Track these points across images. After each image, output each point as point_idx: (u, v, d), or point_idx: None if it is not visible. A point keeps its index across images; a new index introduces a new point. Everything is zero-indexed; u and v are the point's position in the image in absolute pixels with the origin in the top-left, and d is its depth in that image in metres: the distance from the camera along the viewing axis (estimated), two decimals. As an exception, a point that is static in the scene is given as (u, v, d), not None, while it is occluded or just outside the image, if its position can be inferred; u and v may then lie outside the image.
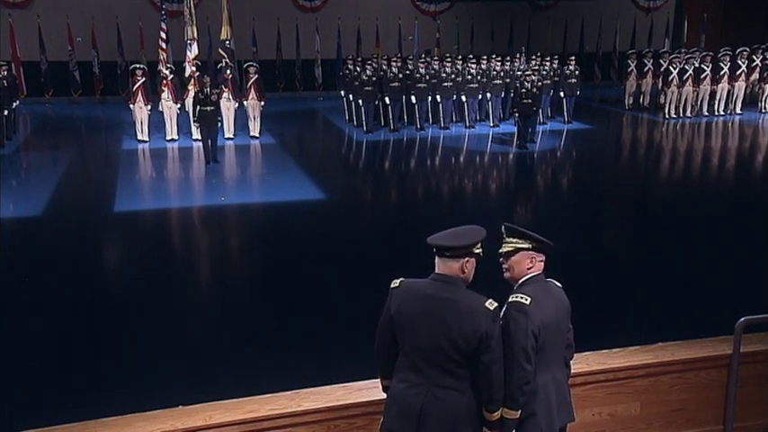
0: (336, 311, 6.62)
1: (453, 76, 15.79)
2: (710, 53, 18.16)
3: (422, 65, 16.23)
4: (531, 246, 3.16)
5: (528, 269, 3.17)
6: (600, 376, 4.01)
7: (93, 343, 6.19)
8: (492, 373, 2.97)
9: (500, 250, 3.23)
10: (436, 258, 3.07)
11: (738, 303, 4.85)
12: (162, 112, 14.46)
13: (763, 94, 18.30)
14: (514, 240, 3.18)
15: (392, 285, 3.14)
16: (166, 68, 14.65)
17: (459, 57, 16.71)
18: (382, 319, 3.15)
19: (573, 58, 17.17)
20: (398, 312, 3.07)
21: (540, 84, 14.99)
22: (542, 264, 3.21)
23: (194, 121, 13.89)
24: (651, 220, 10.19)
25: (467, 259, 3.03)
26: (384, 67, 15.81)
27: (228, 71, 14.55)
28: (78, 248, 8.74)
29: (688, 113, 17.57)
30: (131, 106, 14.36)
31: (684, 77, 17.19)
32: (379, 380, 3.30)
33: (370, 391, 3.62)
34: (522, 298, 3.06)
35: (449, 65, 15.79)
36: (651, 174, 13.32)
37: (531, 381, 3.04)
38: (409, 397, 3.04)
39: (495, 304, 3.00)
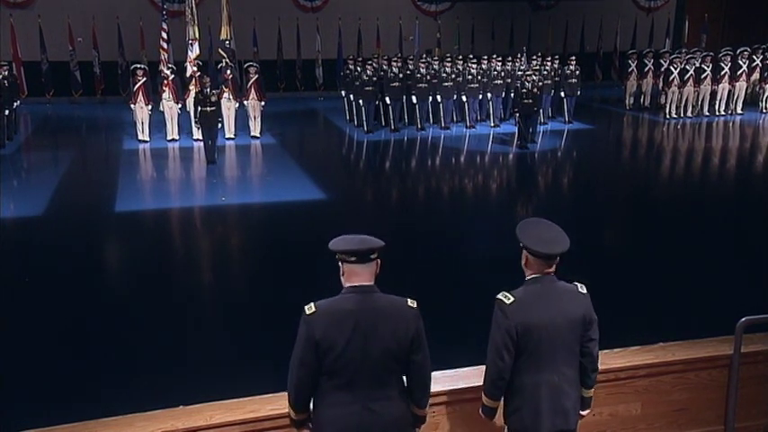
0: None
1: (454, 76, 15.79)
2: (711, 53, 18.16)
3: (422, 65, 16.22)
4: (521, 244, 3.17)
5: (524, 266, 3.18)
6: (601, 376, 3.97)
7: (93, 343, 6.19)
8: (426, 371, 3.04)
9: None
10: (347, 268, 3.04)
11: (739, 303, 4.83)
12: (163, 112, 14.47)
13: (763, 95, 18.29)
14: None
15: (307, 312, 3.01)
16: (167, 68, 14.67)
17: (460, 57, 16.70)
18: (301, 349, 2.97)
19: (573, 58, 17.15)
20: (324, 337, 2.93)
21: (540, 84, 14.99)
22: (541, 266, 3.14)
23: (195, 122, 13.91)
24: (652, 220, 10.18)
25: (378, 261, 3.05)
26: (384, 67, 15.81)
27: (229, 71, 14.55)
28: (79, 248, 8.73)
29: (689, 113, 17.57)
30: (132, 106, 14.37)
31: (685, 77, 17.17)
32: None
33: (371, 391, 3.61)
34: (504, 297, 3.09)
35: (449, 65, 15.78)
36: (652, 174, 13.29)
37: (505, 377, 3.10)
38: (344, 418, 2.95)
39: (415, 302, 3.03)
